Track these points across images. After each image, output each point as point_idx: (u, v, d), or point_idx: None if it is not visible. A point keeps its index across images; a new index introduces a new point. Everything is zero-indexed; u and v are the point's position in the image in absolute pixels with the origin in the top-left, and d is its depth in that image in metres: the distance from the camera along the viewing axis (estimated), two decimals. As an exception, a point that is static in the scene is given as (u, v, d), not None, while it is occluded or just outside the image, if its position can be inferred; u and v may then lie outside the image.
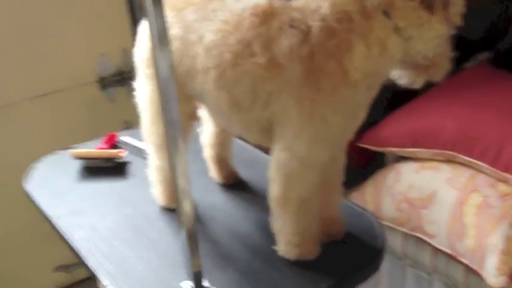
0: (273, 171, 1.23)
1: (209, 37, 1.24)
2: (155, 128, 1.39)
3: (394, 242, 2.24)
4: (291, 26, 1.13)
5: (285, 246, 1.30)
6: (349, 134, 1.24)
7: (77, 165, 1.78)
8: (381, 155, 2.46)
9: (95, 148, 1.84)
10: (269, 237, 1.33)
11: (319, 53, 1.11)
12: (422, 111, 2.34)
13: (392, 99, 2.26)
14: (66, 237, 1.46)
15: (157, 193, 1.52)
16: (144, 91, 1.39)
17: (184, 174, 1.13)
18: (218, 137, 1.56)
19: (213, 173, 1.63)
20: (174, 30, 1.31)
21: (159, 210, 1.53)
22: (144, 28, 1.39)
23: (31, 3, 2.34)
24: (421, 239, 2.14)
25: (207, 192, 1.59)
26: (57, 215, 1.54)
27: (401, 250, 2.24)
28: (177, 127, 1.09)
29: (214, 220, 1.48)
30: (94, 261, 1.36)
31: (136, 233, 1.45)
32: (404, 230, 2.19)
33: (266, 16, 1.18)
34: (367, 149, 2.40)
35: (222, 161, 1.61)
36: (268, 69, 1.15)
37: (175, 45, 1.30)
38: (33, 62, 2.41)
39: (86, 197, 1.62)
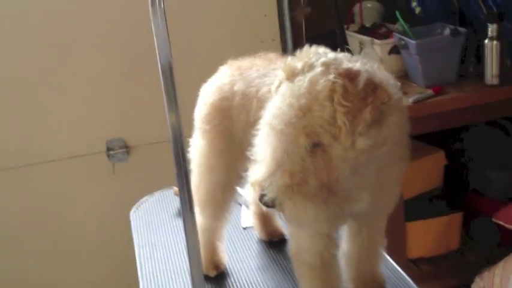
0: (289, 228, 1.24)
1: (264, 89, 1.29)
2: (203, 184, 1.45)
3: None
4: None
5: None
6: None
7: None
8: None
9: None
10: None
11: None
12: None
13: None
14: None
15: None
16: (197, 146, 1.46)
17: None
18: None
19: (257, 229, 1.63)
20: (237, 85, 1.37)
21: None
22: (204, 88, 1.47)
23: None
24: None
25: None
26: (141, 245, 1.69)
27: None
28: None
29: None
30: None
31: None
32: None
33: None
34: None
35: (266, 217, 1.61)
36: None
37: (236, 100, 1.36)
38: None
39: (173, 232, 1.74)
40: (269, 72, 1.32)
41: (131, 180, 2.60)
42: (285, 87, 1.06)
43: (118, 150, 2.59)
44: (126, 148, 2.60)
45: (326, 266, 1.24)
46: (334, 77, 1.01)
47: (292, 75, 1.06)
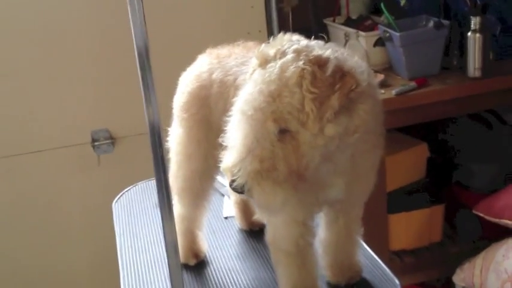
0: (266, 216, 1.26)
1: (242, 77, 1.29)
2: (181, 172, 1.45)
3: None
4: None
5: None
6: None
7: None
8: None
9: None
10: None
11: None
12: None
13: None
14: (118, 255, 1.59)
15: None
16: (175, 134, 1.47)
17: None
18: None
19: (238, 219, 1.64)
20: (215, 74, 1.38)
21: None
22: (183, 77, 1.47)
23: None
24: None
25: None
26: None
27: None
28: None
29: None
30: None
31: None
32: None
33: None
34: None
35: (247, 207, 1.62)
36: None
37: (214, 88, 1.37)
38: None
39: (155, 222, 1.75)
40: (247, 61, 1.32)
41: (116, 172, 2.59)
42: (257, 73, 1.06)
43: (103, 141, 2.59)
44: (112, 139, 2.60)
45: (301, 253, 1.25)
46: (304, 64, 1.02)
47: (265, 62, 1.07)
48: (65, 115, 2.55)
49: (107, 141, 2.59)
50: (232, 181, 1.04)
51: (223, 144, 1.10)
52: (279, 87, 1.02)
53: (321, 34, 2.27)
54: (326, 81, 1.01)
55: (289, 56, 1.04)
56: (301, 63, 1.02)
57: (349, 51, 1.13)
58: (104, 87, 2.55)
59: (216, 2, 2.62)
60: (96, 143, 2.58)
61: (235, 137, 1.06)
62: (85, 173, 2.61)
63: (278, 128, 1.02)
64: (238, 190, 1.04)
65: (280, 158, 1.03)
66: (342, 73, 1.03)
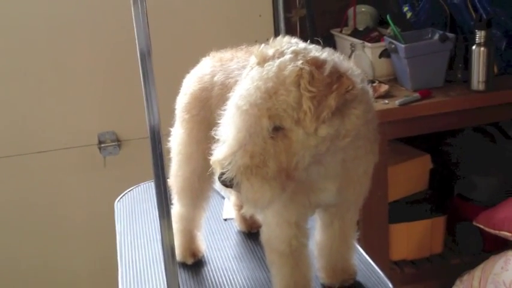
0: (262, 216, 1.28)
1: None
2: (181, 172, 1.48)
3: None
4: None
5: None
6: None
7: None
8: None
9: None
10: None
11: None
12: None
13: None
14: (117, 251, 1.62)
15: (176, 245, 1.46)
16: (176, 135, 1.49)
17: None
18: None
19: (237, 221, 1.66)
20: (217, 76, 1.40)
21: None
22: (186, 79, 1.51)
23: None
24: None
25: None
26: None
27: None
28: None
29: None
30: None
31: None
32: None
33: None
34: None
35: None
36: None
37: (216, 90, 1.40)
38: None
39: (155, 221, 1.77)
40: (249, 65, 1.35)
41: (121, 173, 2.63)
42: (255, 70, 1.09)
43: (109, 143, 2.63)
44: (118, 142, 2.64)
45: (295, 253, 1.27)
46: (302, 64, 1.05)
47: (263, 61, 1.09)
48: (73, 117, 2.59)
49: (113, 143, 2.63)
50: (222, 174, 1.06)
51: (216, 137, 1.11)
52: (276, 85, 1.04)
53: (316, 38, 2.29)
54: (324, 81, 1.04)
55: (288, 56, 1.07)
56: (299, 63, 1.05)
57: (354, 60, 1.16)
58: (112, 91, 2.59)
59: (224, 9, 2.66)
60: (102, 145, 2.62)
61: (229, 131, 1.08)
62: (91, 174, 2.65)
63: (272, 125, 1.05)
64: (227, 183, 1.05)
65: (271, 155, 1.04)
66: (339, 74, 1.06)
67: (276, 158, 1.05)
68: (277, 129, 1.05)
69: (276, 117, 1.04)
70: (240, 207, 1.66)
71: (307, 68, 1.04)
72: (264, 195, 1.05)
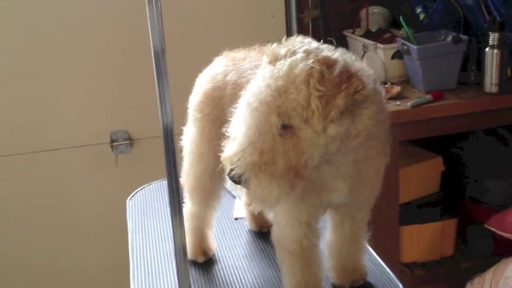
0: (273, 215, 1.29)
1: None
2: (193, 171, 1.49)
3: None
4: None
5: None
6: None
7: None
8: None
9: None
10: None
11: None
12: None
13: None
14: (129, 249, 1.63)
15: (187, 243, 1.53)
16: (189, 133, 1.50)
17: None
18: None
19: (248, 220, 1.67)
20: (229, 75, 1.41)
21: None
22: (199, 78, 1.51)
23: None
24: None
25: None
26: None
27: None
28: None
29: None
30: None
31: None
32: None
33: None
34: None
35: None
36: None
37: (228, 90, 1.40)
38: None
39: (167, 219, 1.78)
40: (261, 64, 1.35)
41: (133, 172, 2.65)
42: (267, 69, 1.10)
43: (122, 142, 2.64)
44: (130, 140, 2.65)
45: (305, 253, 1.27)
46: (313, 63, 1.05)
47: (275, 60, 1.10)
48: (86, 116, 2.61)
49: (125, 142, 2.64)
50: (231, 170, 1.06)
51: (227, 134, 1.12)
52: (286, 83, 1.05)
53: (329, 38, 2.30)
54: (333, 81, 1.04)
55: (299, 55, 1.07)
56: (310, 62, 1.05)
57: (367, 62, 1.16)
58: (124, 90, 2.61)
59: (237, 10, 2.67)
60: (114, 144, 2.64)
61: (239, 128, 1.09)
62: (103, 172, 2.67)
63: (281, 122, 1.05)
64: (236, 180, 1.06)
65: (280, 152, 1.05)
66: (349, 74, 1.06)
67: (284, 155, 1.05)
68: (286, 127, 1.06)
69: (285, 115, 1.05)
70: (250, 205, 1.66)
71: (317, 67, 1.04)
72: (272, 192, 1.05)
